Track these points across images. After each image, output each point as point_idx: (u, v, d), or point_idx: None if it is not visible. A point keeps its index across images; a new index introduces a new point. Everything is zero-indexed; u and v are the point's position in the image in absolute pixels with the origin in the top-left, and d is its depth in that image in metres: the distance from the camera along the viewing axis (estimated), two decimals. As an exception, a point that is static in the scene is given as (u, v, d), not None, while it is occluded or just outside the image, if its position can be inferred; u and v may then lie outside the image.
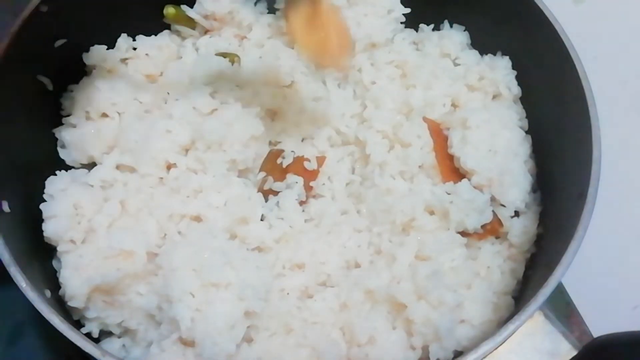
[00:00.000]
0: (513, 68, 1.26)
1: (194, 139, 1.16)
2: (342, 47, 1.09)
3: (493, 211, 1.14)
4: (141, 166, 1.14)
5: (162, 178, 1.15)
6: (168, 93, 1.22)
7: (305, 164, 1.18)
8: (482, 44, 1.31)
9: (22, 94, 1.12)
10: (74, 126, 1.19)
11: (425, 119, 1.21)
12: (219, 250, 1.03)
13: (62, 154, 1.19)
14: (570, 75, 1.09)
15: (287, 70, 1.24)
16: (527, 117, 1.25)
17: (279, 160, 1.19)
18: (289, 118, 1.23)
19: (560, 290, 1.17)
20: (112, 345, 1.07)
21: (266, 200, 1.16)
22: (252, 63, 1.25)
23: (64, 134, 1.18)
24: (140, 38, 1.28)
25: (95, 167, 1.16)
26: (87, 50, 1.23)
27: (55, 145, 1.20)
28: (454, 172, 1.18)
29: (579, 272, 1.04)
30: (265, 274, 1.05)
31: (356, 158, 1.22)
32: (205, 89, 1.19)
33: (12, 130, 1.08)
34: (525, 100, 1.26)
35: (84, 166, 1.19)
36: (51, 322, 0.92)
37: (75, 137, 1.18)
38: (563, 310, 1.15)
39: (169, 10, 1.28)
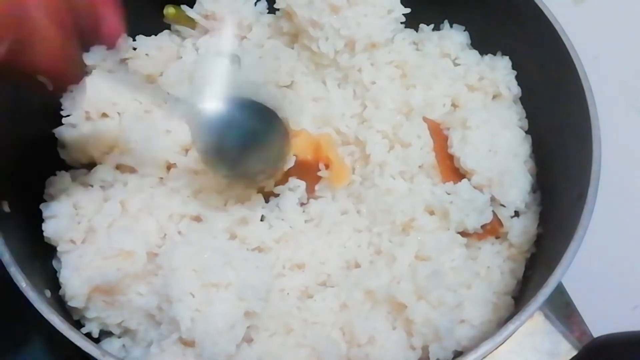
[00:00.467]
0: (513, 68, 1.26)
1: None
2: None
3: (493, 211, 1.14)
4: (141, 166, 1.14)
5: (162, 178, 1.15)
6: (168, 93, 1.22)
7: (309, 167, 1.18)
8: (482, 44, 1.31)
9: (22, 94, 1.12)
10: (74, 126, 1.19)
11: (425, 119, 1.21)
12: (219, 250, 1.03)
13: (62, 154, 1.19)
14: (570, 75, 1.09)
15: (287, 70, 1.24)
16: (527, 117, 1.25)
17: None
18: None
19: (560, 290, 1.17)
20: (112, 345, 1.07)
21: (267, 201, 1.16)
22: (252, 63, 1.25)
23: (64, 134, 1.18)
24: (140, 38, 1.28)
25: (95, 167, 1.16)
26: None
27: (55, 145, 1.20)
28: (454, 172, 1.18)
29: (579, 272, 1.04)
30: (265, 274, 1.05)
31: (356, 158, 1.22)
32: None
33: (12, 130, 1.08)
34: (525, 100, 1.26)
35: (84, 166, 1.19)
36: (51, 322, 0.92)
37: (75, 137, 1.18)
38: (563, 310, 1.15)
39: (169, 10, 1.28)
